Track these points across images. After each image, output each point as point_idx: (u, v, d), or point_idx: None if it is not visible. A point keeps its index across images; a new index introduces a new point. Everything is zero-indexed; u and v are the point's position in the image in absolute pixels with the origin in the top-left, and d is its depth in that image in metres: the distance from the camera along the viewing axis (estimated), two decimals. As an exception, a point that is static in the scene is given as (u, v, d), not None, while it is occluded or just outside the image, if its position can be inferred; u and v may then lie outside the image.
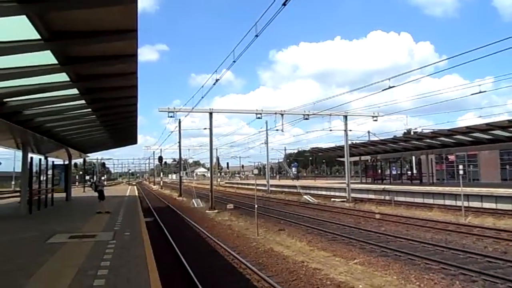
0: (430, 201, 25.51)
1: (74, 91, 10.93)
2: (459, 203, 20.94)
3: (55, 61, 8.19)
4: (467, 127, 25.35)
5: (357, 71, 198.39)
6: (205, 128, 32.84)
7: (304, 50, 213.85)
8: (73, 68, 9.00)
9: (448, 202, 24.11)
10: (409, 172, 44.06)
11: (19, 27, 6.44)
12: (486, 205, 21.66)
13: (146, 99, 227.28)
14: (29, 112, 12.38)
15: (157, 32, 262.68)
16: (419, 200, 26.51)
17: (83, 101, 12.37)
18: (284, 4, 8.73)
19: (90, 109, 13.80)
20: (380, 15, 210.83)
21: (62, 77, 9.43)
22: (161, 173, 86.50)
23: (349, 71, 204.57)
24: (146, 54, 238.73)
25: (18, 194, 22.85)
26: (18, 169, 24.25)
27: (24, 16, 6.08)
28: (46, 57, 7.87)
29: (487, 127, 23.83)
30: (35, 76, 8.92)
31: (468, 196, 22.34)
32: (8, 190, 41.02)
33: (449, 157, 40.38)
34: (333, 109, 30.63)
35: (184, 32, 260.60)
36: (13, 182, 55.49)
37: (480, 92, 21.23)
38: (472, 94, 22.02)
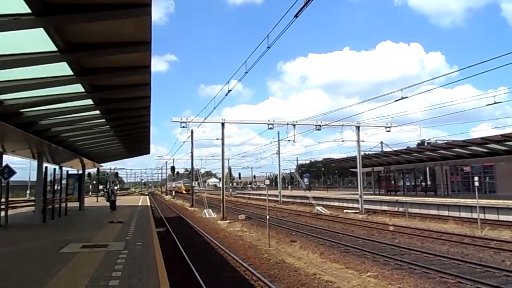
0: (445, 213, 25.06)
1: (89, 101, 11.14)
2: (474, 215, 20.51)
3: (71, 72, 8.36)
4: (482, 138, 25.00)
5: (366, 82, 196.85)
6: (217, 138, 32.99)
7: (313, 61, 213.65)
8: (88, 79, 9.17)
9: (463, 214, 23.65)
10: (423, 184, 43.35)
11: (37, 40, 6.60)
12: (503, 217, 21.16)
13: (156, 109, 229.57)
14: (45, 123, 12.60)
15: (166, 42, 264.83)
16: (433, 212, 26.06)
17: (97, 112, 12.59)
18: (296, 16, 8.76)
19: (104, 120, 14.02)
20: (388, 25, 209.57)
21: (77, 88, 9.62)
22: (174, 183, 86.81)
23: (358, 82, 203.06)
24: (155, 64, 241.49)
25: (32, 203, 23.13)
26: (34, 178, 24.61)
27: (42, 29, 6.23)
28: (62, 69, 8.04)
29: (503, 138, 23.45)
30: (51, 87, 9.12)
31: (484, 208, 21.91)
32: (23, 199, 41.59)
33: (464, 168, 39.64)
34: (344, 120, 30.54)
35: (193, 43, 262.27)
36: (28, 191, 56.38)
37: (496, 103, 20.97)
38: (488, 105, 21.69)
